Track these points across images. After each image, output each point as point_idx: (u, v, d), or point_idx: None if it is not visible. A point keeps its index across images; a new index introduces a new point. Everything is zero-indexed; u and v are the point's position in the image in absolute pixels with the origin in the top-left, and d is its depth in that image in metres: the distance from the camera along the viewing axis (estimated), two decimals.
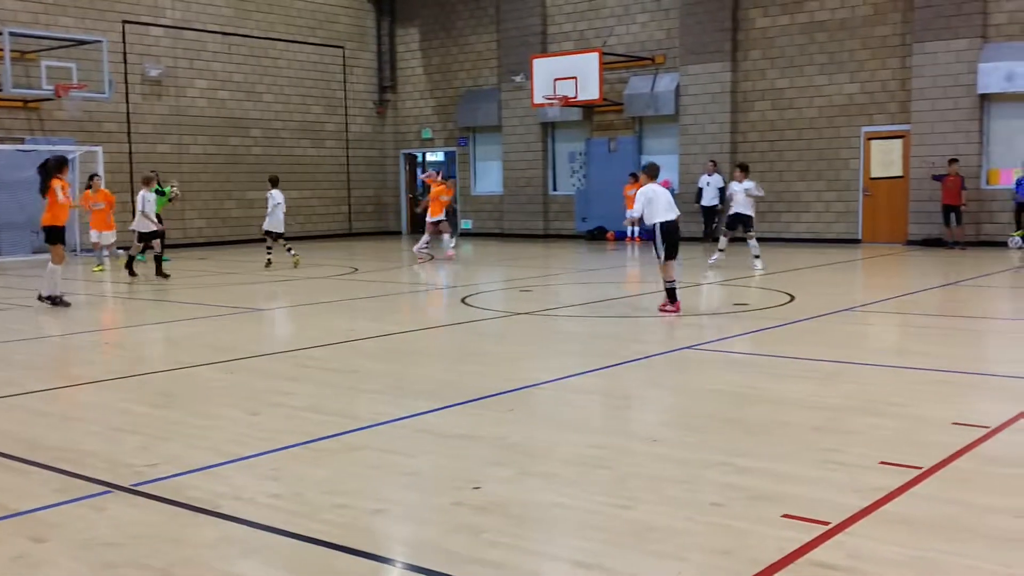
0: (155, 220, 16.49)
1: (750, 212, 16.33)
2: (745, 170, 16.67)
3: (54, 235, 12.59)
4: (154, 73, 24.00)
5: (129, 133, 23.76)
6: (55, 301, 12.49)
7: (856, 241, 21.93)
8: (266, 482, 5.11)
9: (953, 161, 19.81)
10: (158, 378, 8.20)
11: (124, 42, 23.47)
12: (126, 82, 23.51)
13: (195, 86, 25.07)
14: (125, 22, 23.51)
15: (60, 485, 5.10)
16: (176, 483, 5.08)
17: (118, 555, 4.10)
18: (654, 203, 10.99)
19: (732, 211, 16.51)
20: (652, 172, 11.35)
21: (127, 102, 23.64)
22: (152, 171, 18.10)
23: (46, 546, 4.23)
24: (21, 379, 8.08)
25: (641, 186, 11.36)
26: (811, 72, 22.26)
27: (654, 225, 11.04)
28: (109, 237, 18.17)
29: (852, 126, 21.88)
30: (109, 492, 4.96)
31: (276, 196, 18.19)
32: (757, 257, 16.19)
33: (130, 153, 23.58)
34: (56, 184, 12.44)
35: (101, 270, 18.09)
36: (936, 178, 20.07)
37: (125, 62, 23.49)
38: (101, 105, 22.63)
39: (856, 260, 18.56)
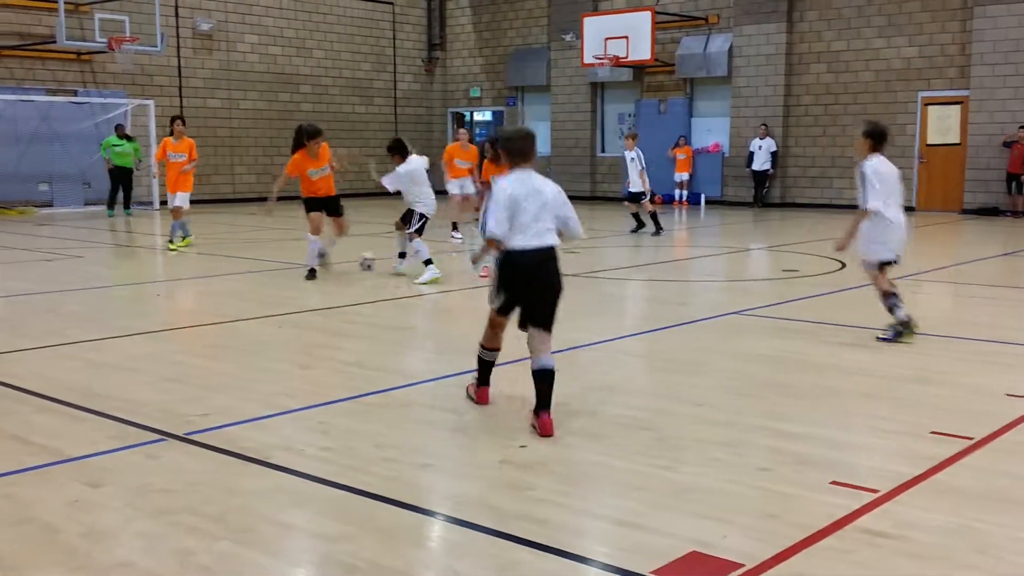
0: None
1: None
2: None
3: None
4: (205, 27, 24.11)
5: (180, 88, 23.94)
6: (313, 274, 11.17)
7: (911, 209, 21.54)
8: (315, 435, 5.18)
9: (1023, 128, 19.37)
10: (209, 330, 8.31)
11: None
12: (178, 36, 23.65)
13: (245, 41, 25.15)
14: None
15: (115, 432, 5.20)
16: (228, 433, 5.16)
17: (173, 501, 4.18)
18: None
19: None
20: None
21: (179, 56, 23.79)
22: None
23: (102, 491, 4.32)
24: (70, 329, 8.23)
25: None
26: (869, 35, 21.77)
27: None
28: None
29: (909, 91, 21.41)
30: (163, 440, 5.06)
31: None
32: None
33: (181, 107, 23.73)
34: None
35: None
36: (1006, 144, 19.65)
37: (177, 16, 23.61)
38: (153, 59, 22.79)
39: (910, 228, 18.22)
